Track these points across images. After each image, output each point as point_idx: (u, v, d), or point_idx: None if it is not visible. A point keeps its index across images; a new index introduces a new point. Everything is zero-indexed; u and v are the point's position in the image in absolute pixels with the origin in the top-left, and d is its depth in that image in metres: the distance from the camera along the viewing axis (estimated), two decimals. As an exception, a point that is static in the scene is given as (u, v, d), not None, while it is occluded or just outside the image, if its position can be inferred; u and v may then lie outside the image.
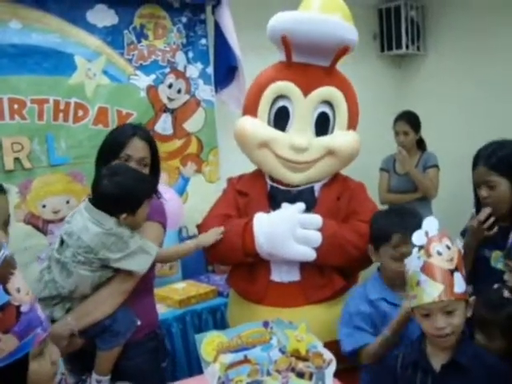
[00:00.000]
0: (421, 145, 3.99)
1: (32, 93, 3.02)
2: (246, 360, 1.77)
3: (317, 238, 2.17)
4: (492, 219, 2.06)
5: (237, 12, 3.59)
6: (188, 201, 3.68)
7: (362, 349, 1.96)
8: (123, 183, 1.88)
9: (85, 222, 1.86)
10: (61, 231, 1.94)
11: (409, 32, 4.74)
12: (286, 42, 2.23)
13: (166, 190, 3.41)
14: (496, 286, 1.84)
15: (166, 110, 3.55)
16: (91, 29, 3.23)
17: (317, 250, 2.18)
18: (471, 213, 2.23)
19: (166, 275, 3.19)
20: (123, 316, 1.93)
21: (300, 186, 2.32)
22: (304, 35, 2.20)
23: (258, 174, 2.42)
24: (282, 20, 2.26)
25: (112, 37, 3.31)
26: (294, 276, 2.26)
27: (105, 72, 3.29)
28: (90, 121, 3.22)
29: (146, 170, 2.12)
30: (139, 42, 3.43)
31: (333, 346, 2.07)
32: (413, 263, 1.61)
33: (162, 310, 2.81)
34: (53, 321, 1.85)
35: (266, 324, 1.87)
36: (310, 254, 2.18)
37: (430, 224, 1.64)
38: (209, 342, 1.78)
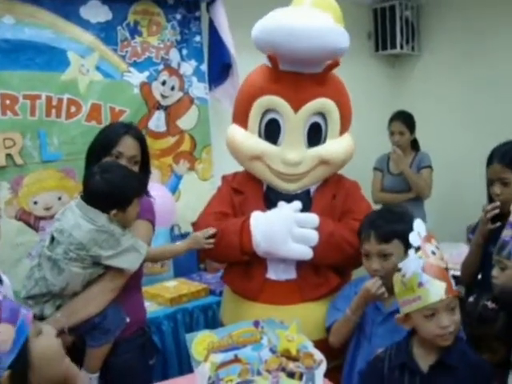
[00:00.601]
0: (415, 145, 3.99)
1: (24, 88, 3.00)
2: (236, 359, 1.77)
3: (314, 236, 2.18)
4: (496, 211, 2.08)
5: (231, 9, 3.58)
6: (180, 199, 3.67)
7: (331, 326, 2.11)
8: (113, 180, 1.89)
9: (76, 219, 1.86)
10: (51, 228, 1.94)
11: (403, 32, 4.75)
12: (272, 57, 2.19)
13: (158, 188, 3.43)
14: (471, 298, 1.84)
15: (159, 107, 3.54)
16: (85, 25, 3.21)
17: (314, 248, 2.18)
18: (483, 206, 2.24)
19: (158, 273, 3.19)
20: (113, 313, 1.94)
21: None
22: (291, 50, 2.12)
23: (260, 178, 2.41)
24: (266, 31, 2.17)
25: (105, 33, 3.29)
26: (291, 274, 2.26)
27: (98, 68, 3.27)
28: (83, 117, 3.20)
29: (136, 168, 2.14)
30: (133, 38, 3.41)
31: (326, 343, 2.09)
32: (412, 265, 1.59)
33: (153, 308, 2.80)
34: (43, 318, 1.85)
35: (256, 323, 1.87)
36: (307, 253, 2.18)
37: (420, 226, 1.65)
38: (199, 342, 1.77)
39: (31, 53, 3.02)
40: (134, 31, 3.42)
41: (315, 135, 2.28)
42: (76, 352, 1.91)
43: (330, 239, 2.19)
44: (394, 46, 4.77)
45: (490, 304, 1.70)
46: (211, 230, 2.23)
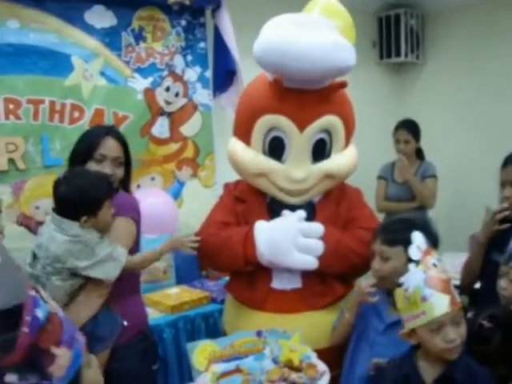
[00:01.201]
0: (419, 154, 3.98)
1: (28, 93, 2.99)
2: (238, 370, 1.75)
3: (319, 246, 2.16)
4: (506, 213, 2.09)
5: (236, 14, 3.58)
6: (183, 205, 3.65)
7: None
8: (79, 186, 1.86)
9: (51, 232, 1.85)
10: (33, 245, 1.92)
11: (408, 40, 4.75)
12: (276, 80, 2.14)
13: (160, 194, 3.42)
14: (470, 314, 1.82)
15: (162, 113, 3.53)
16: (89, 30, 3.21)
17: (320, 258, 2.16)
18: (485, 207, 2.25)
19: (159, 280, 3.17)
20: (105, 320, 1.91)
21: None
22: (296, 71, 2.05)
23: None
24: (269, 52, 2.06)
25: (110, 38, 3.29)
26: (296, 283, 2.24)
27: (102, 73, 3.26)
28: (86, 122, 3.19)
29: (121, 170, 2.13)
30: (137, 44, 3.40)
31: (332, 352, 2.07)
32: (413, 279, 1.57)
33: (154, 315, 2.78)
34: None
35: (259, 333, 1.86)
36: (312, 263, 2.16)
37: (419, 239, 1.62)
38: (201, 351, 1.76)
39: (35, 57, 3.01)
40: (139, 37, 3.41)
41: (320, 151, 2.25)
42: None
43: (335, 249, 2.17)
44: (398, 55, 4.77)
45: (486, 323, 1.67)
46: (195, 238, 2.20)
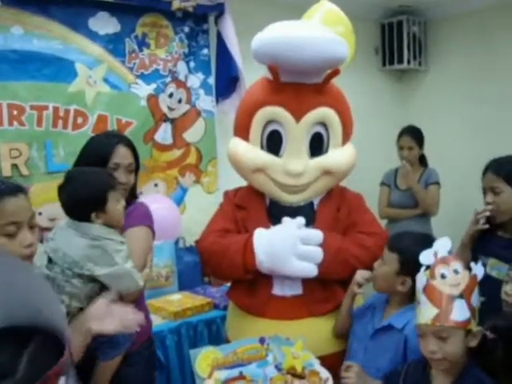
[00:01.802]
0: (423, 161, 3.98)
1: (32, 99, 3.00)
2: (241, 376, 1.75)
3: (318, 254, 2.15)
4: (487, 213, 2.18)
5: (239, 20, 3.58)
6: (186, 211, 3.65)
7: None
8: (79, 184, 1.84)
9: (69, 237, 1.83)
10: (45, 248, 1.90)
11: (411, 47, 4.76)
12: (272, 69, 2.16)
13: (163, 200, 3.42)
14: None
15: (165, 119, 3.53)
16: (93, 36, 3.22)
17: (321, 264, 2.16)
18: (474, 209, 2.30)
19: (162, 286, 3.16)
20: None
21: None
22: (289, 60, 2.09)
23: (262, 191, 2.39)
24: (263, 43, 2.13)
25: (113, 45, 3.30)
26: (297, 290, 2.23)
27: (105, 80, 3.27)
28: (90, 128, 3.20)
29: (133, 176, 2.13)
30: (141, 50, 3.41)
31: (335, 358, 2.07)
32: (419, 282, 1.60)
33: (156, 321, 2.77)
34: None
35: (262, 340, 1.85)
36: (312, 270, 2.15)
37: (442, 245, 1.61)
38: (204, 358, 1.75)
39: (39, 63, 3.02)
40: (142, 43, 3.42)
41: (317, 145, 2.26)
42: (84, 369, 1.88)
43: (335, 255, 2.17)
44: (401, 61, 4.77)
45: (489, 334, 1.67)
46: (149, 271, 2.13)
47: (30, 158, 3.01)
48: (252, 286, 2.27)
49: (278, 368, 1.78)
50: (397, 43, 4.76)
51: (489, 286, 1.78)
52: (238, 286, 2.35)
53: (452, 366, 1.56)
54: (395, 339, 1.87)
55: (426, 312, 1.53)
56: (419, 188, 3.79)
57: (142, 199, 2.28)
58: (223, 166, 3.67)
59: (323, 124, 2.24)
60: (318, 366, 1.81)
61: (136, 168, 2.17)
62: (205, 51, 3.69)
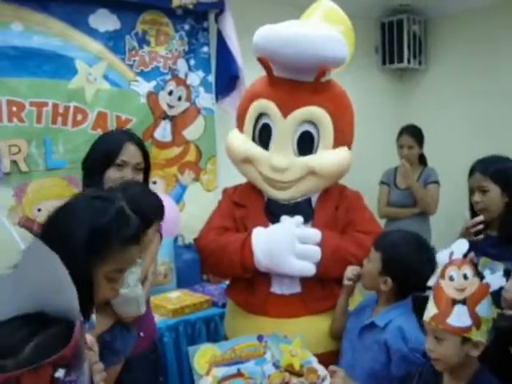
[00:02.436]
0: (422, 160, 3.98)
1: (31, 96, 3.00)
2: (239, 374, 1.75)
3: (316, 253, 2.15)
4: (481, 226, 2.17)
5: (239, 18, 3.58)
6: (185, 209, 3.65)
7: None
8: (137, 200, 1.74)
9: None
10: None
11: (411, 46, 4.75)
12: (263, 61, 2.19)
13: (163, 198, 3.41)
14: None
15: (165, 116, 3.53)
16: (93, 33, 3.21)
17: (319, 263, 2.16)
18: (463, 215, 2.34)
19: (160, 283, 3.16)
20: (121, 333, 1.87)
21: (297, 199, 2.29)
22: (280, 55, 2.12)
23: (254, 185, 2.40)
24: (260, 37, 2.18)
25: (114, 42, 3.29)
26: (295, 288, 2.23)
27: (105, 77, 3.26)
28: (89, 125, 3.20)
29: (141, 175, 2.11)
30: (141, 47, 3.41)
31: (333, 356, 2.07)
32: (435, 278, 1.62)
33: (155, 319, 2.77)
34: None
35: (260, 338, 1.85)
36: (310, 269, 2.16)
37: (459, 246, 1.59)
38: (202, 355, 1.76)
39: (39, 60, 3.02)
40: (142, 40, 3.42)
41: (307, 144, 2.25)
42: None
43: (333, 254, 2.17)
44: (401, 60, 4.77)
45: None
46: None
47: (30, 155, 3.00)
48: (251, 284, 2.27)
49: (276, 365, 1.78)
50: (397, 42, 4.76)
51: None
52: (237, 283, 2.35)
53: (460, 371, 1.54)
54: (377, 338, 1.87)
55: (429, 310, 1.54)
56: (418, 187, 3.79)
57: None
58: (223, 163, 3.67)
59: (313, 124, 2.23)
60: (315, 364, 1.82)
61: (146, 168, 2.15)
62: (205, 49, 3.69)
